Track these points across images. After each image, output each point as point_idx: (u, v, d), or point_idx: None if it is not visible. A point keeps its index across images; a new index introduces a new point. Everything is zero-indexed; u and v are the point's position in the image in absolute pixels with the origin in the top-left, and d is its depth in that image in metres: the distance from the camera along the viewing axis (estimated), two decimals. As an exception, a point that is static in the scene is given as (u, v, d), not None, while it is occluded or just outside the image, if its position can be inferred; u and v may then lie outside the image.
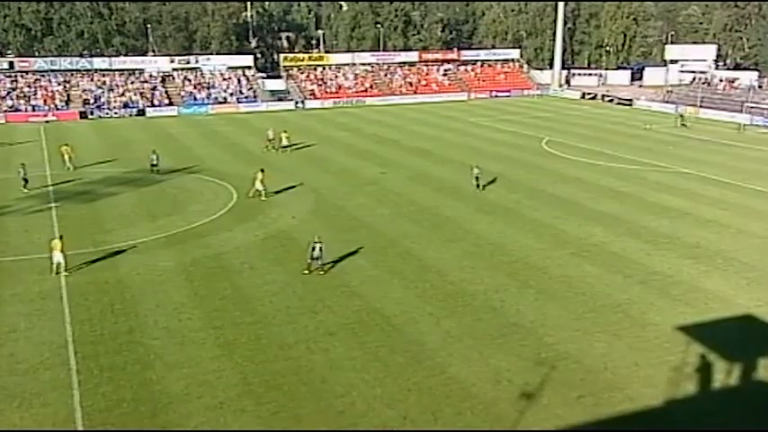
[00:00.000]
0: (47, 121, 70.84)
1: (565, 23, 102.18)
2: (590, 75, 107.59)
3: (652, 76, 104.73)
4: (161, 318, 21.89)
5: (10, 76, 78.18)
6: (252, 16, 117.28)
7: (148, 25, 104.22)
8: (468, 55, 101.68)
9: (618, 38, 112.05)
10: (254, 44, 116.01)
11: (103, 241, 29.62)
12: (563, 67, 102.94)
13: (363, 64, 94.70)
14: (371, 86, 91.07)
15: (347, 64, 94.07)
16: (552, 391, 17.72)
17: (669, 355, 19.54)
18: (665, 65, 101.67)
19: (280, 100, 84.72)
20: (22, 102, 74.81)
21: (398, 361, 19.26)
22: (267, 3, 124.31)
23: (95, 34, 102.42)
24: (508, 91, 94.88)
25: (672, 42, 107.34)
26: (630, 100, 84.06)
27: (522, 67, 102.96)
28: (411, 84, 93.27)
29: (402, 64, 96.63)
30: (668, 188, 39.41)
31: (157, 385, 17.82)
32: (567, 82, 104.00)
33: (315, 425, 16.32)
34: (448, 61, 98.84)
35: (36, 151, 52.20)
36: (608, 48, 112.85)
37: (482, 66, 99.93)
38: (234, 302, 23.19)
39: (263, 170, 37.42)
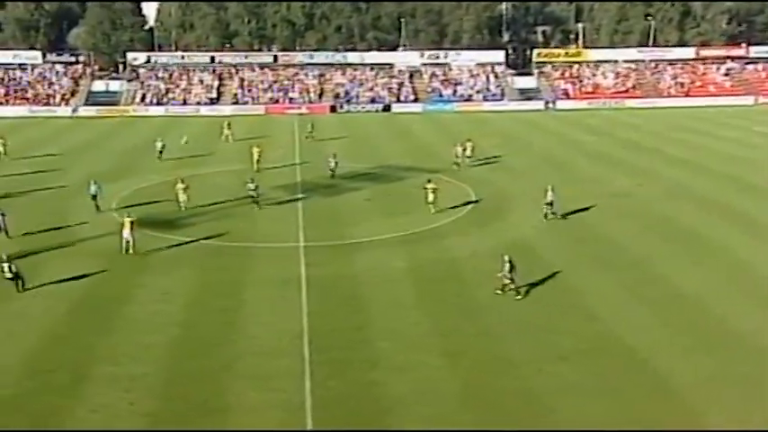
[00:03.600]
0: (300, 114, 78.63)
1: None
2: None
3: None
4: (390, 319, 23.14)
5: (273, 70, 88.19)
6: (507, 9, 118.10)
7: (402, 19, 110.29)
8: (759, 51, 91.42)
9: None
10: (506, 38, 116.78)
11: (342, 235, 32.09)
12: None
13: (627, 61, 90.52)
14: (634, 87, 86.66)
15: (608, 61, 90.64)
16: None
17: None
18: None
19: (528, 99, 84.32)
20: (281, 94, 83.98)
21: (640, 397, 18.21)
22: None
23: (352, 28, 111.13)
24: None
25: None
26: None
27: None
28: (682, 84, 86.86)
29: (673, 62, 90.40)
30: None
31: (382, 387, 18.90)
32: None
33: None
34: (732, 58, 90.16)
35: (288, 144, 58.05)
36: None
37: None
38: (463, 311, 23.71)
39: (430, 180, 36.23)
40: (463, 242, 31.06)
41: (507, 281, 24.56)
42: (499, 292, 24.80)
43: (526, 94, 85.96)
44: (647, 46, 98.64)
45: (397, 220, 34.19)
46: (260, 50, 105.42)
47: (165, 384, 19.05)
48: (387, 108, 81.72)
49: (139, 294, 25.32)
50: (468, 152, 47.67)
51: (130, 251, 29.22)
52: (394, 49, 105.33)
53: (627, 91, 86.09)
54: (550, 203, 34.16)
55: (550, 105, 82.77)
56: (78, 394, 18.46)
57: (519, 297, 24.50)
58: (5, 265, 25.05)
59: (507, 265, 24.51)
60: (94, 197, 36.05)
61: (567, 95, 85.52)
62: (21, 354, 20.70)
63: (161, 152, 50.24)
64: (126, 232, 29.26)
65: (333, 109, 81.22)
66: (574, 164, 48.32)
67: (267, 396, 18.45)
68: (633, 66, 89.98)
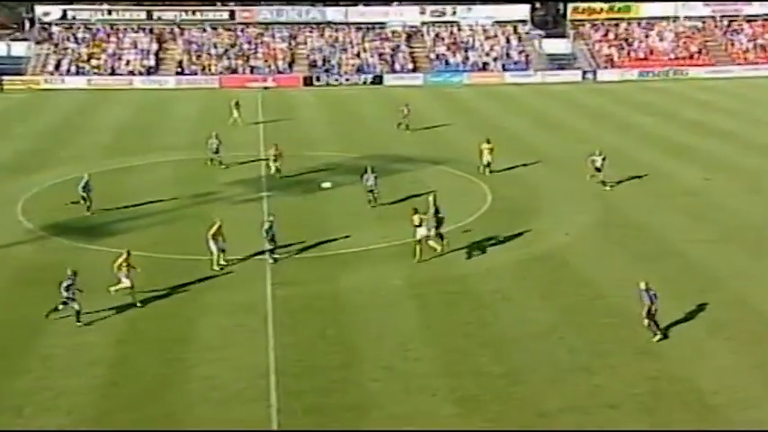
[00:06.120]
0: (265, 88, 78.54)
1: None
2: None
3: None
4: (384, 353, 23.08)
5: (230, 30, 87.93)
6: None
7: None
8: None
9: None
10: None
11: (320, 245, 32.05)
12: None
13: (690, 18, 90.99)
14: (700, 51, 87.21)
15: (666, 17, 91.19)
16: None
17: None
18: None
19: (561, 68, 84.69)
20: (240, 62, 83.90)
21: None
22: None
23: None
24: None
25: None
26: None
27: None
28: (764, 48, 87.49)
29: (753, 18, 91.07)
30: None
31: (373, 443, 18.88)
32: None
33: None
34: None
35: (249, 126, 57.91)
36: None
37: None
38: (479, 344, 23.67)
39: (416, 210, 31.18)
40: (476, 255, 31.03)
41: (647, 321, 23.55)
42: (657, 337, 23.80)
43: (558, 62, 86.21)
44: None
45: (391, 226, 34.10)
46: (212, 4, 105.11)
47: (89, 441, 18.94)
48: (377, 80, 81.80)
49: (55, 323, 25.08)
50: (485, 158, 43.33)
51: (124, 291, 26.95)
52: (387, 3, 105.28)
53: (691, 57, 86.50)
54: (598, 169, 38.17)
55: (589, 76, 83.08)
56: (-27, 455, 18.32)
57: (656, 338, 23.63)
58: (65, 284, 24.73)
59: (645, 295, 23.53)
60: (84, 197, 35.93)
61: (611, 63, 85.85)
62: None
63: (217, 152, 45.23)
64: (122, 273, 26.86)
65: (307, 81, 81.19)
66: (622, 152, 48.22)
67: (223, 456, 18.36)
68: (699, 24, 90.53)
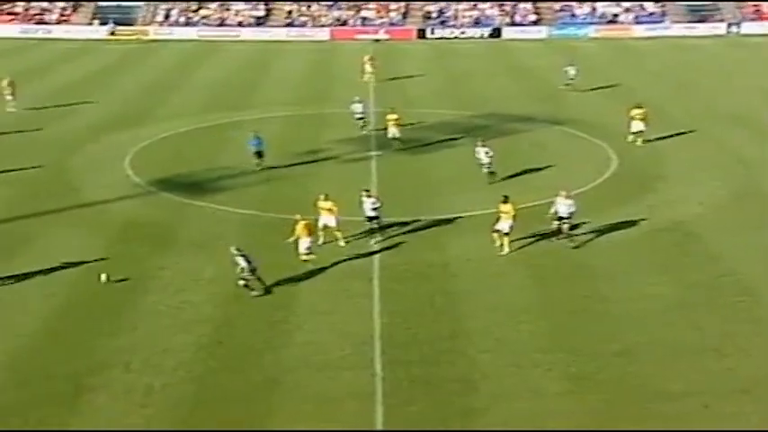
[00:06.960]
0: (376, 40, 78.88)
1: None
2: None
3: None
4: (494, 324, 23.29)
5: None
6: None
7: None
8: None
9: None
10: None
11: (429, 208, 32.34)
12: None
13: None
14: None
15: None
16: None
17: None
18: None
19: (700, 21, 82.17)
20: (351, 13, 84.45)
21: None
22: None
23: None
24: None
25: None
26: None
27: None
28: None
29: None
30: None
31: (480, 418, 19.10)
32: None
33: None
34: None
35: (359, 81, 58.31)
36: None
37: None
38: (595, 319, 23.60)
39: (506, 199, 28.67)
40: (596, 224, 30.62)
41: None
42: None
43: (698, 13, 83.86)
44: None
45: (504, 189, 33.65)
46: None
47: (192, 400, 19.85)
48: (496, 32, 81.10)
49: (161, 279, 26.35)
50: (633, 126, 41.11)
51: (340, 241, 28.80)
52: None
53: None
54: None
55: (733, 29, 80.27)
56: (82, 408, 19.42)
57: None
58: (240, 259, 24.76)
59: None
60: (258, 153, 37.07)
61: (758, 14, 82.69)
62: (9, 355, 21.89)
63: (362, 118, 44.21)
64: (324, 218, 28.62)
65: (421, 34, 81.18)
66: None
67: (324, 425, 18.92)
68: None
